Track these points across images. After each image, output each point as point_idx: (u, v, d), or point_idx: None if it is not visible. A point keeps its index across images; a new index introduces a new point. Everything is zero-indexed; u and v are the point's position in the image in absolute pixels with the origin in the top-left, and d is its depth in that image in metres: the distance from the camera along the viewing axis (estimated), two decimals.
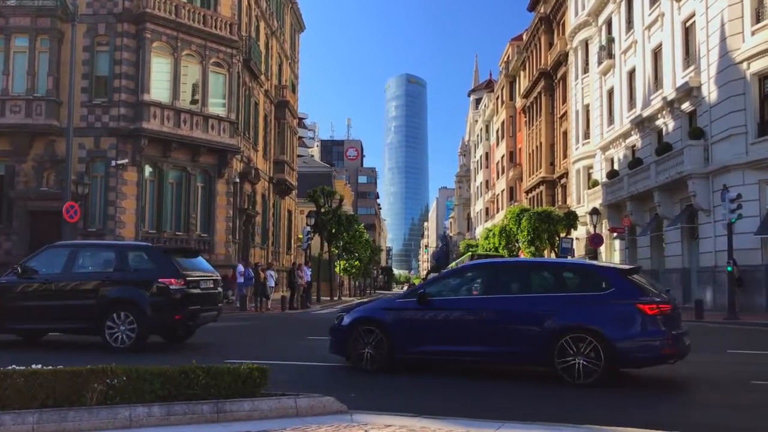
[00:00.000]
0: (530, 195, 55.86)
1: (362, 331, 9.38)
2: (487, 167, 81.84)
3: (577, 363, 8.11)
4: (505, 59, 71.31)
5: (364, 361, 9.25)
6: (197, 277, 12.21)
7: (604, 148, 37.95)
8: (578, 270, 9.18)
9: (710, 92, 25.71)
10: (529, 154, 57.59)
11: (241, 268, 27.15)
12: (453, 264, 68.41)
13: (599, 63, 38.32)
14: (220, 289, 13.20)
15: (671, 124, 29.35)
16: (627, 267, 9.24)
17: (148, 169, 28.00)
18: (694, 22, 27.43)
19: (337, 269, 54.62)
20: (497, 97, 74.06)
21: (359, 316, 9.62)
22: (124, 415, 5.53)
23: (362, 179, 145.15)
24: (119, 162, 26.82)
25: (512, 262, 10.79)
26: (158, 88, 27.67)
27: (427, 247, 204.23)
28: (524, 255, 42.97)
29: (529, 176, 56.94)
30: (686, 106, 27.89)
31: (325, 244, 43.21)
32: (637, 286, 8.41)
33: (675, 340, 8.21)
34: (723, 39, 24.74)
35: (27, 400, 5.51)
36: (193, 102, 28.90)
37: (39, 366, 5.89)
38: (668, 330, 8.17)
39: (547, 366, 8.43)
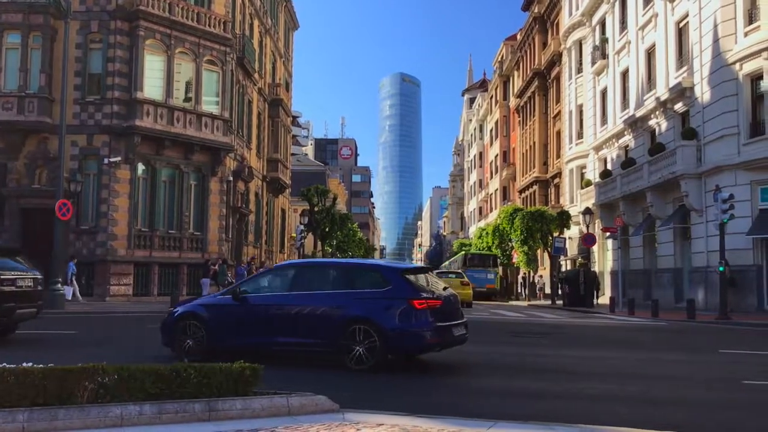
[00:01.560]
0: (523, 194, 55.96)
1: (185, 324, 10.16)
2: (480, 167, 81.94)
3: (359, 351, 9.10)
4: (499, 59, 71.40)
5: (185, 352, 9.93)
6: (12, 276, 12.40)
7: (597, 148, 38.05)
8: (365, 269, 10.26)
9: (703, 93, 25.80)
10: (523, 153, 57.69)
11: (239, 270, 27.23)
12: (446, 263, 68.58)
13: (593, 63, 38.40)
14: (40, 288, 13.33)
15: (664, 125, 29.44)
16: (407, 267, 10.23)
17: (141, 167, 27.91)
18: (688, 22, 27.52)
19: None
20: (491, 97, 74.15)
21: (183, 311, 10.42)
22: (115, 414, 5.51)
23: (356, 178, 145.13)
24: (112, 160, 26.74)
25: (313, 263, 11.78)
26: (151, 86, 27.58)
27: (420, 246, 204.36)
28: (517, 254, 43.10)
29: (523, 176, 57.03)
30: (679, 106, 27.98)
31: (319, 242, 43.20)
32: (411, 284, 9.41)
33: (441, 330, 9.22)
34: (716, 40, 24.82)
35: (17, 398, 5.48)
36: (187, 100, 28.83)
37: (30, 364, 5.86)
38: (435, 322, 9.16)
39: (338, 354, 9.26)
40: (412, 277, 9.60)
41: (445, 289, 10.11)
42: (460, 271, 46.57)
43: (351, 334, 9.17)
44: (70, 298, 24.16)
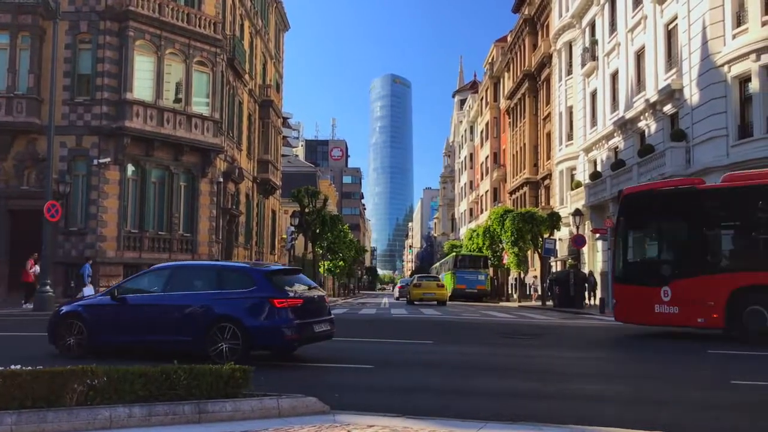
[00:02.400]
0: (514, 196, 56.09)
1: (68, 323, 10.70)
2: (471, 168, 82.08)
3: (224, 347, 9.67)
4: (490, 60, 71.58)
5: (67, 349, 10.52)
6: None
7: (587, 150, 38.19)
8: (232, 271, 10.75)
9: (692, 95, 25.96)
10: (513, 155, 57.83)
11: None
12: (437, 264, 68.67)
13: (583, 65, 38.56)
14: None
15: (653, 126, 29.59)
16: (272, 269, 10.91)
17: (130, 168, 27.80)
18: (677, 25, 27.68)
19: (321, 269, 54.55)
20: (481, 99, 74.30)
21: (67, 310, 10.98)
22: (105, 416, 5.49)
23: (347, 179, 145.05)
24: (101, 161, 26.62)
25: (185, 265, 12.19)
26: (141, 87, 27.49)
27: (411, 247, 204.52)
28: (507, 256, 43.19)
29: (513, 177, 57.17)
30: (668, 108, 28.13)
31: (309, 244, 43.14)
32: (273, 285, 10.07)
33: (300, 328, 9.85)
34: (705, 42, 24.98)
35: (5, 401, 5.44)
36: (177, 101, 28.74)
37: (18, 367, 5.82)
38: (295, 319, 9.80)
39: (206, 351, 9.67)
40: (276, 278, 10.33)
41: (310, 289, 10.88)
42: (435, 275, 46.85)
43: (217, 331, 9.77)
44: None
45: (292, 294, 10.10)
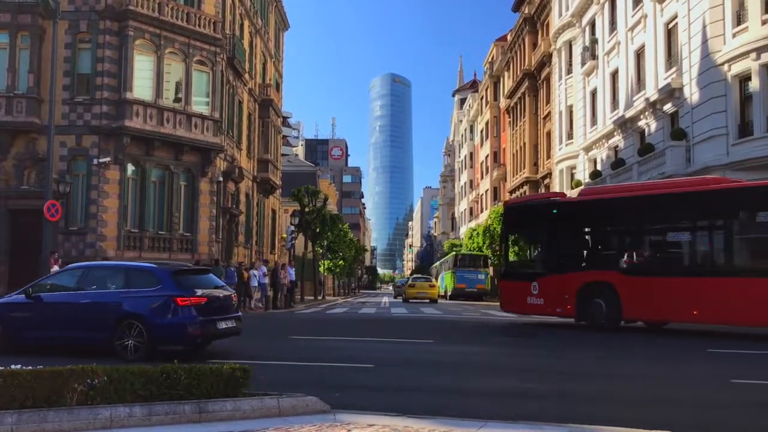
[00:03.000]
0: (514, 195, 56.08)
1: None
2: (471, 167, 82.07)
3: (130, 343, 10.31)
4: (490, 60, 71.57)
5: None
6: None
7: (587, 149, 38.19)
8: (140, 271, 11.24)
9: (692, 93, 25.96)
10: (513, 154, 57.83)
11: (257, 271, 27.59)
12: (437, 264, 68.65)
13: (582, 64, 38.55)
14: None
15: (653, 125, 29.60)
16: (178, 269, 11.48)
17: (130, 168, 27.79)
18: (677, 24, 27.67)
19: (321, 269, 54.54)
20: (481, 98, 74.29)
21: None
22: (105, 416, 5.49)
23: (347, 179, 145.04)
24: (101, 160, 26.61)
25: (96, 265, 12.73)
26: (141, 86, 27.46)
27: (411, 246, 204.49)
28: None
29: (513, 176, 57.16)
30: (668, 107, 28.13)
31: (310, 243, 43.12)
32: (178, 284, 10.64)
33: (203, 324, 10.46)
34: (705, 41, 24.98)
35: (6, 400, 5.44)
36: (176, 100, 28.72)
37: (19, 367, 5.83)
38: (198, 317, 10.39)
39: (114, 347, 10.27)
40: (181, 278, 10.90)
41: (217, 288, 11.41)
42: (428, 276, 47.45)
43: (124, 327, 10.38)
44: None
45: (194, 293, 10.60)
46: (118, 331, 10.37)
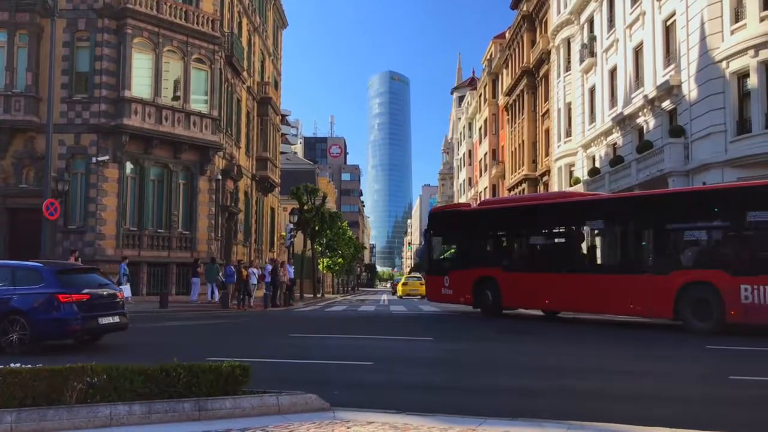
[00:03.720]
0: (513, 192, 56.09)
1: None
2: (470, 165, 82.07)
3: (14, 337, 10.86)
4: (488, 57, 71.52)
5: None
6: None
7: (586, 146, 38.19)
8: (27, 269, 11.71)
9: (690, 91, 25.96)
10: (512, 151, 57.82)
11: (266, 268, 28.04)
12: None
13: (581, 61, 38.54)
14: None
15: (652, 122, 29.60)
16: (63, 268, 12.16)
17: (129, 166, 27.79)
18: (675, 21, 27.66)
19: (320, 266, 54.53)
20: (480, 95, 74.26)
21: None
22: (105, 414, 5.50)
23: (345, 176, 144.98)
24: (100, 159, 26.60)
25: None
26: (139, 85, 27.45)
27: (410, 244, 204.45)
28: None
29: (512, 174, 57.17)
30: (667, 104, 28.13)
31: (309, 241, 43.12)
32: (61, 282, 11.24)
33: (84, 320, 11.12)
34: (703, 38, 24.98)
35: (6, 399, 5.45)
36: (175, 98, 28.71)
37: (18, 365, 5.83)
38: (79, 313, 11.04)
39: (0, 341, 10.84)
40: (65, 276, 11.52)
41: (101, 286, 11.96)
42: (419, 275, 49.02)
43: (8, 323, 10.95)
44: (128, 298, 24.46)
45: (77, 290, 11.20)
46: (3, 326, 10.92)
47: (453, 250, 23.61)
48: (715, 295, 14.87)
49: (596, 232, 19.42)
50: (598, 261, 19.03)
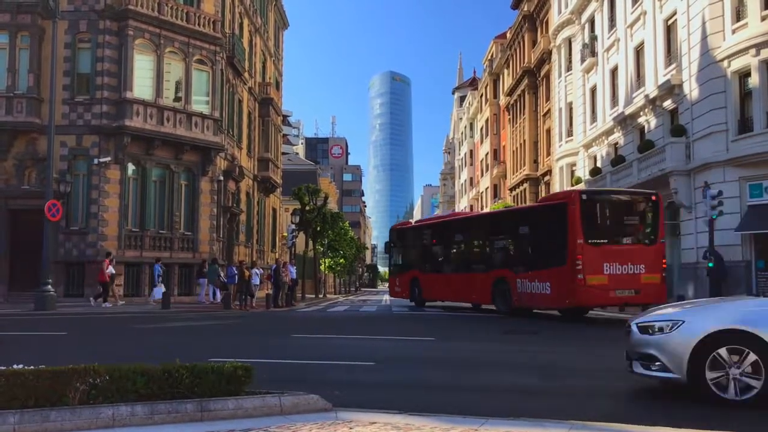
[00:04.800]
0: (514, 192, 56.08)
1: None
2: (471, 165, 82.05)
3: None
4: (489, 57, 71.51)
5: None
6: None
7: (587, 146, 38.18)
8: None
9: (692, 90, 25.94)
10: (513, 151, 57.81)
11: (272, 268, 28.75)
12: None
13: (582, 61, 38.53)
14: None
15: (653, 122, 29.59)
16: None
17: (131, 167, 27.83)
18: (676, 20, 27.65)
19: (322, 267, 54.54)
20: (481, 95, 74.25)
21: None
22: (107, 415, 5.50)
23: (347, 177, 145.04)
24: (102, 160, 26.64)
25: None
26: (141, 86, 27.49)
27: None
28: None
29: (513, 174, 57.15)
30: (668, 103, 28.11)
31: (310, 241, 43.14)
32: None
33: None
34: (704, 37, 24.96)
35: (8, 400, 5.46)
36: (177, 99, 28.74)
37: (20, 366, 5.84)
38: None
39: None
40: None
41: None
42: None
43: None
44: (159, 299, 24.99)
45: None
46: None
47: (401, 258, 30.80)
48: (508, 287, 21.42)
49: (458, 242, 26.44)
50: (459, 264, 25.74)
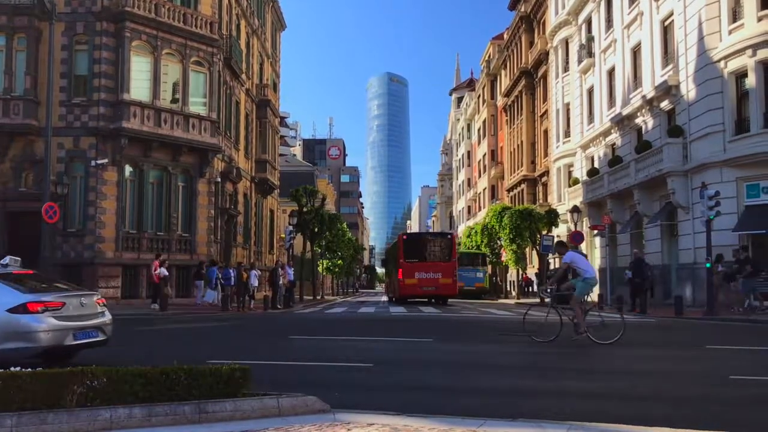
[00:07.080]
0: (512, 193, 56.12)
1: None
2: (468, 166, 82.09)
3: None
4: (487, 58, 71.57)
5: None
6: None
7: (585, 147, 38.23)
8: None
9: (688, 91, 25.99)
10: (511, 152, 57.85)
11: (256, 271, 28.89)
12: None
13: (579, 62, 38.58)
14: None
15: (650, 123, 29.64)
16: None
17: (128, 169, 27.79)
18: (673, 21, 27.71)
19: (319, 268, 54.51)
20: (478, 96, 74.29)
21: None
22: (105, 417, 5.49)
23: (345, 178, 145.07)
24: (99, 162, 26.59)
25: None
26: (138, 87, 27.46)
27: None
28: (506, 253, 43.24)
29: (511, 174, 57.20)
30: (665, 104, 28.17)
31: (308, 243, 43.12)
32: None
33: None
34: (701, 38, 25.01)
35: (5, 402, 5.44)
36: (174, 101, 28.71)
37: (18, 369, 5.83)
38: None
39: None
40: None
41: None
42: None
43: None
44: (212, 302, 26.66)
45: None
46: None
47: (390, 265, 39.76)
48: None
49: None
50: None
